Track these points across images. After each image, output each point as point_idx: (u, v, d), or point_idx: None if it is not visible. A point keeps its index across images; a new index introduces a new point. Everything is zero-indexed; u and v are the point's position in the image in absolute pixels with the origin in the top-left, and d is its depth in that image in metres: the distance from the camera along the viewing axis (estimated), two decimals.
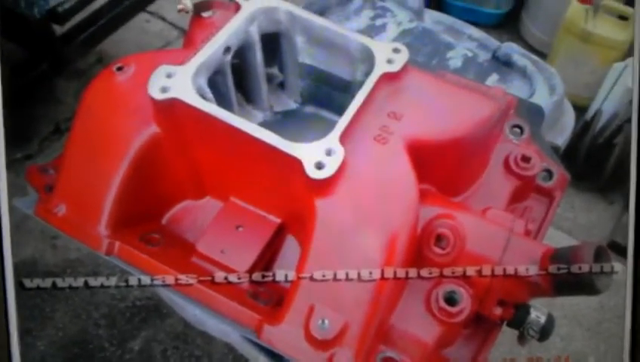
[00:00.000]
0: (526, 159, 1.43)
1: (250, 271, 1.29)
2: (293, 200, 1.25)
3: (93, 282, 1.30)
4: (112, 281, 1.29)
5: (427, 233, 1.23)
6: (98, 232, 1.27)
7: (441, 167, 1.34)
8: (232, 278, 1.28)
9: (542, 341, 1.26)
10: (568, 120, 2.55)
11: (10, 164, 1.33)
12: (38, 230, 2.41)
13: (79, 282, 1.30)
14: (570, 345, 2.34)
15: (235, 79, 1.46)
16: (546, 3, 3.30)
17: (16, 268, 1.31)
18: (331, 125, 1.22)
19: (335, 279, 1.14)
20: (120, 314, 2.30)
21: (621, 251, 1.37)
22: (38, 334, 2.22)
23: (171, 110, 1.26)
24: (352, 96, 1.28)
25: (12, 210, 1.32)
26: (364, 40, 1.39)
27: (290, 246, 1.36)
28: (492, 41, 2.59)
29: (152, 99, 1.25)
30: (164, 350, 2.23)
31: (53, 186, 1.34)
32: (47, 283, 1.30)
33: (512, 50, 2.52)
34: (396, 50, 1.35)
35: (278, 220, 1.36)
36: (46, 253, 2.41)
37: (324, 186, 1.18)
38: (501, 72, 2.49)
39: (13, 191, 1.33)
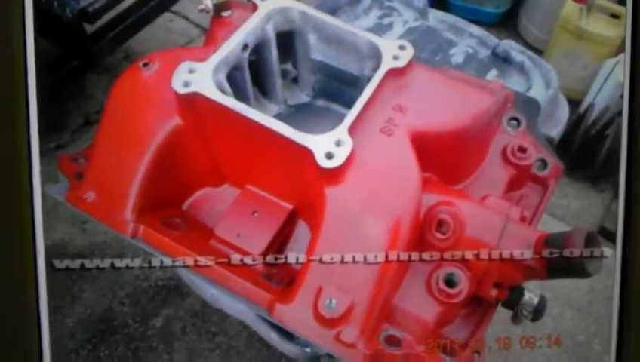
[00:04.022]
0: (522, 150, 1.42)
1: (264, 254, 1.30)
2: (305, 188, 1.25)
3: (119, 263, 1.31)
4: (137, 262, 1.30)
5: (429, 219, 1.23)
6: (124, 217, 1.28)
7: (443, 156, 1.33)
8: (247, 260, 1.28)
9: (534, 321, 1.26)
10: (563, 113, 2.54)
11: (44, 153, 1.32)
12: (68, 215, 2.41)
13: (106, 263, 1.31)
14: (561, 324, 2.33)
15: (252, 74, 1.46)
16: (543, 2, 3.28)
17: (48, 250, 1.31)
18: (341, 117, 1.22)
19: (342, 262, 1.14)
20: (143, 293, 2.31)
21: (610, 237, 1.36)
22: (67, 312, 2.23)
23: (193, 103, 1.26)
24: (361, 91, 1.28)
25: (45, 196, 1.32)
26: (372, 37, 1.38)
27: (302, 231, 1.36)
28: (492, 39, 2.57)
29: (175, 93, 1.25)
30: (184, 326, 2.23)
31: (83, 174, 1.35)
32: (76, 264, 1.30)
33: (511, 46, 2.51)
34: (402, 47, 1.34)
35: (291, 206, 1.36)
36: (75, 236, 2.41)
37: (334, 175, 1.17)
38: (500, 68, 2.48)
39: (46, 178, 1.33)
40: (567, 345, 2.29)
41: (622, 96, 1.36)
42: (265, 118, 1.21)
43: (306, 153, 1.17)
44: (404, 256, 1.17)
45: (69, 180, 1.37)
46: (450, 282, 1.21)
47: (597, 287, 2.42)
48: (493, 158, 1.44)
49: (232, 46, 1.34)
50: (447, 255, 1.22)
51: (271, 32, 1.43)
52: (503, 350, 1.32)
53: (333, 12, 2.51)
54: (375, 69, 1.33)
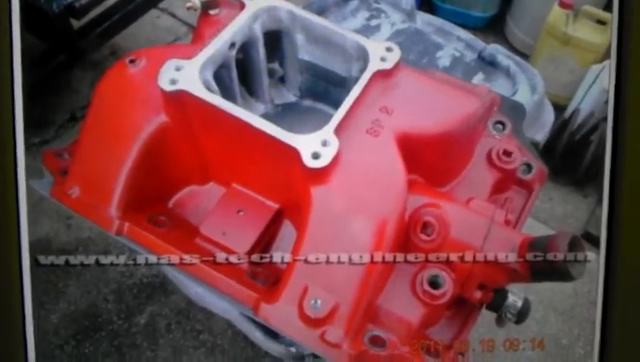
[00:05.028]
0: (507, 153, 1.43)
1: (250, 253, 1.30)
2: (291, 187, 1.25)
3: (104, 260, 1.30)
4: (121, 259, 1.29)
5: (414, 220, 1.23)
6: (109, 213, 1.27)
7: (429, 158, 1.33)
8: (233, 259, 1.28)
9: (518, 323, 1.26)
10: (548, 117, 2.56)
11: (28, 149, 1.32)
12: (53, 210, 2.40)
13: (91, 260, 1.30)
14: (544, 328, 2.35)
15: (239, 73, 1.45)
16: (530, 8, 3.29)
17: (32, 245, 1.31)
18: (328, 118, 1.22)
19: (328, 262, 1.14)
20: (128, 290, 2.30)
21: (594, 241, 1.37)
22: (51, 307, 2.22)
23: (179, 101, 1.25)
24: (348, 91, 1.28)
25: (29, 191, 1.31)
26: (360, 39, 1.38)
27: (287, 230, 1.36)
28: (478, 43, 2.59)
29: (162, 90, 1.24)
30: (168, 324, 2.23)
31: (67, 170, 1.34)
32: (61, 260, 1.30)
33: (497, 51, 2.52)
34: (389, 49, 1.34)
35: (277, 206, 1.36)
36: (60, 232, 2.40)
37: (320, 175, 1.17)
38: (486, 72, 2.49)
39: (30, 173, 1.32)
40: (550, 348, 2.30)
41: (607, 102, 1.37)
42: (251, 116, 1.21)
43: (293, 153, 1.17)
44: (389, 257, 1.17)
45: (53, 176, 1.36)
46: (434, 283, 1.21)
47: (580, 291, 2.43)
48: (479, 161, 1.45)
49: (219, 44, 1.33)
50: (431, 256, 1.22)
51: (258, 31, 1.43)
52: (487, 352, 1.33)
53: (321, 13, 2.51)
54: (362, 70, 1.33)
